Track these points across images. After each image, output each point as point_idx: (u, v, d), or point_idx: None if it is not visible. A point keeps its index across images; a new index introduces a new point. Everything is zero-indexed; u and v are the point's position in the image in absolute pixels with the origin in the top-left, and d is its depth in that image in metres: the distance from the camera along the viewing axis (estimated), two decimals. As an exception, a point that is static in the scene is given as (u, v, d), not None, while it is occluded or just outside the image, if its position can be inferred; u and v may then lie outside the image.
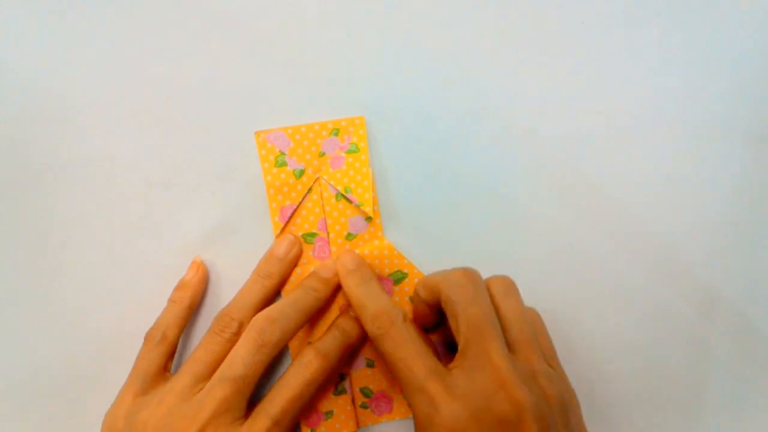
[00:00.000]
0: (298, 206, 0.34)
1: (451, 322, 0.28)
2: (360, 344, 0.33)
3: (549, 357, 0.29)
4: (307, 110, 0.34)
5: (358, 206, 0.33)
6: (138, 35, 0.34)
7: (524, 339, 0.27)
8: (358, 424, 0.34)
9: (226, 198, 0.34)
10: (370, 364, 0.34)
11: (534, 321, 0.30)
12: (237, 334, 0.30)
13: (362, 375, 0.34)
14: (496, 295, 0.29)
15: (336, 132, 0.34)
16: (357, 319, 0.32)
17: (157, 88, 0.34)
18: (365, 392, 0.34)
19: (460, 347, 0.27)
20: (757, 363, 0.34)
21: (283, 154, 0.33)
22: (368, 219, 0.34)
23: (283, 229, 0.34)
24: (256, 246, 0.34)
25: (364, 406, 0.34)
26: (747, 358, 0.34)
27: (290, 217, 0.34)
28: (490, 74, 0.34)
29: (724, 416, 0.34)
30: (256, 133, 0.34)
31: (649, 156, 0.34)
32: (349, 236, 0.34)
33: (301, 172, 0.34)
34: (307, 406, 0.33)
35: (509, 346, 0.27)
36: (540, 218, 0.34)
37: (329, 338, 0.31)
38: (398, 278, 0.34)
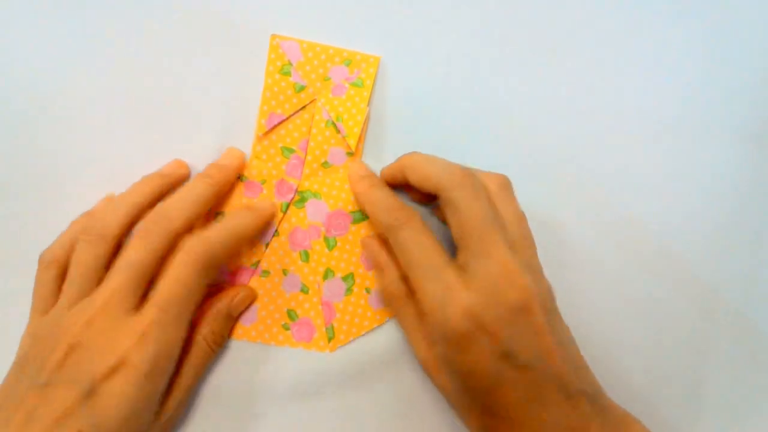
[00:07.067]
0: (287, 118, 0.34)
1: (452, 219, 0.29)
2: (253, 236, 0.32)
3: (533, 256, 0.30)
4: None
5: (343, 138, 0.34)
6: (139, 35, 0.34)
7: (520, 238, 0.29)
8: (260, 339, 0.34)
9: None
10: (304, 290, 0.34)
11: (525, 222, 0.31)
12: (115, 237, 0.30)
13: (293, 298, 0.34)
14: (493, 194, 0.29)
15: (348, 63, 0.34)
16: (251, 210, 0.32)
17: (158, 88, 0.34)
18: (291, 314, 0.34)
19: (462, 243, 0.28)
20: (757, 363, 0.35)
21: (290, 64, 0.34)
22: (349, 154, 0.34)
23: (266, 133, 0.34)
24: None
25: (285, 327, 0.34)
26: (747, 358, 0.35)
27: (276, 125, 0.34)
28: (491, 74, 0.35)
29: (724, 416, 0.34)
30: (272, 35, 0.34)
31: (649, 156, 0.35)
32: (326, 164, 0.34)
33: (302, 88, 0.34)
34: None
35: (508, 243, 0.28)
36: (539, 218, 0.34)
37: (215, 231, 0.30)
38: (358, 218, 0.34)
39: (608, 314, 0.34)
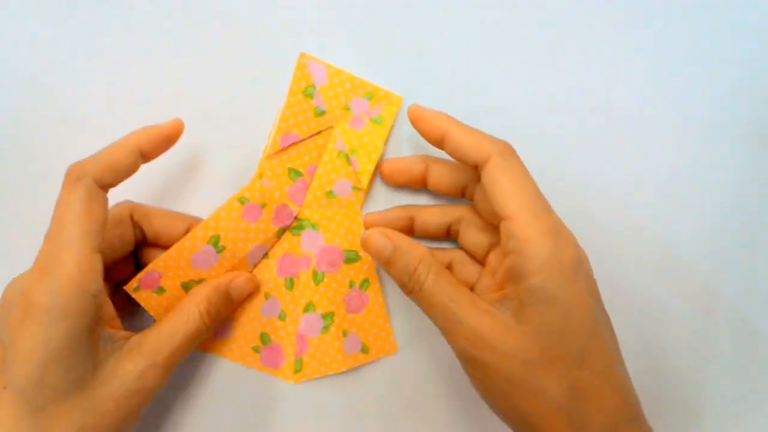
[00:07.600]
0: (301, 140, 0.33)
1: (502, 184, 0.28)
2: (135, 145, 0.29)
3: None
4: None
5: (354, 171, 0.33)
6: (140, 35, 0.33)
7: None
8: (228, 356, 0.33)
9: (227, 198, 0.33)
10: (282, 317, 0.33)
11: None
12: None
13: (269, 322, 0.33)
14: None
15: (370, 96, 0.33)
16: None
17: (158, 88, 0.33)
18: (263, 338, 0.33)
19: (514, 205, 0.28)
20: (757, 363, 0.34)
21: (313, 86, 0.33)
22: (356, 188, 0.33)
23: (278, 152, 0.33)
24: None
25: (255, 350, 0.33)
26: (747, 358, 0.34)
27: (289, 146, 0.33)
28: (491, 73, 0.34)
29: (724, 416, 0.34)
30: (301, 53, 0.33)
31: (650, 156, 0.34)
32: (330, 194, 0.33)
33: (321, 113, 0.33)
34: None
35: None
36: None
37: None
38: (351, 258, 0.33)
39: (608, 313, 0.34)
